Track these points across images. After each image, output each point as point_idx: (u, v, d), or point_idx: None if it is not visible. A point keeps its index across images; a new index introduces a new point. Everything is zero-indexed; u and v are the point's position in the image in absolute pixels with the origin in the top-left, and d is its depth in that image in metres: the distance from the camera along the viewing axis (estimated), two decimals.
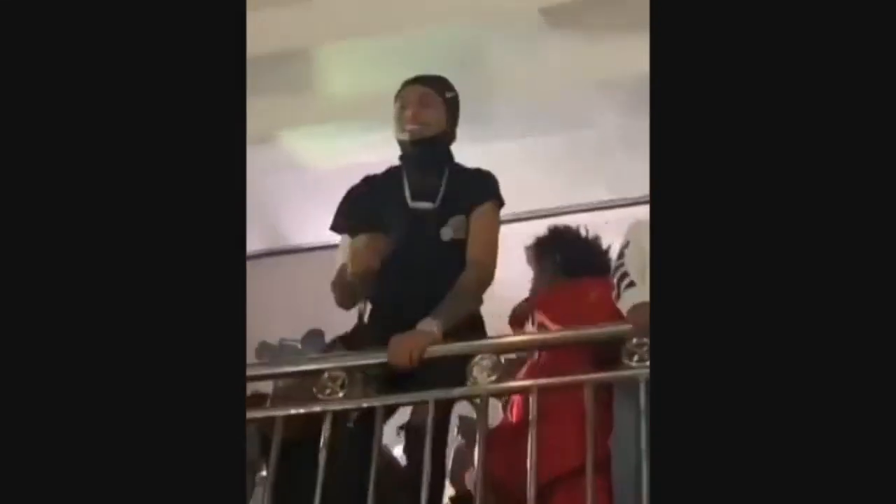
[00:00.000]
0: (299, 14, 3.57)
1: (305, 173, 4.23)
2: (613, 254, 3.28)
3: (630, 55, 3.30)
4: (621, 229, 3.25)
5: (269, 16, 3.43)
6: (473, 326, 3.10)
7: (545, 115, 3.39)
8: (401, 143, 3.23)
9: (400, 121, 3.20)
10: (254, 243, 4.82)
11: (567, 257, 3.41)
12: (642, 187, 3.87)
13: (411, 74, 3.54)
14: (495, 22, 3.44)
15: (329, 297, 3.23)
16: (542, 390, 2.86)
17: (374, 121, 3.84)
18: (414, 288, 3.07)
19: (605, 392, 2.91)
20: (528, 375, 3.18)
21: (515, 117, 3.60)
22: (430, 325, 2.93)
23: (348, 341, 3.25)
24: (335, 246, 4.12)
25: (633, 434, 2.74)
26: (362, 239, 3.11)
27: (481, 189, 3.17)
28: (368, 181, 3.29)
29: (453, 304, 3.02)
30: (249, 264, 4.94)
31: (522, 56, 3.47)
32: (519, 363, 3.27)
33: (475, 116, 3.70)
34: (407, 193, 3.19)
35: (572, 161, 3.71)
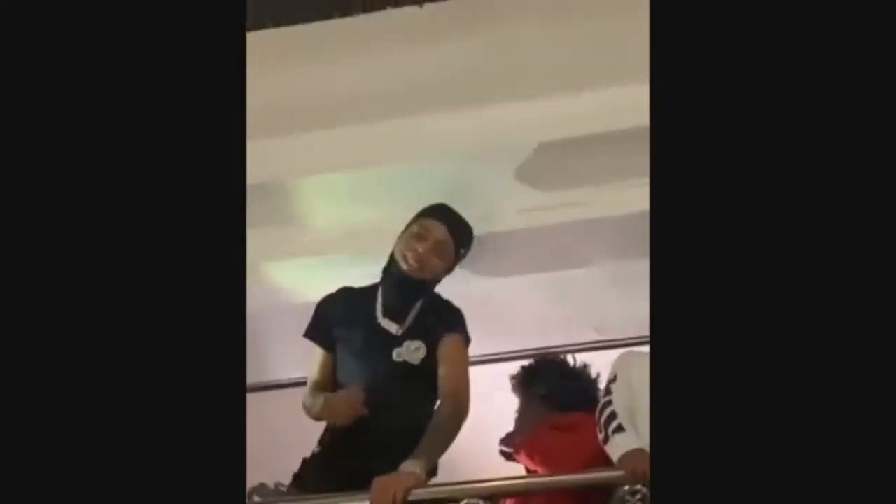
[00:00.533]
0: (285, 145, 3.59)
1: (290, 306, 4.21)
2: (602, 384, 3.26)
3: (626, 195, 3.32)
4: (610, 356, 3.22)
5: (255, 147, 3.44)
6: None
7: (534, 252, 3.38)
8: (394, 261, 3.23)
9: (407, 245, 3.22)
10: None
11: (551, 391, 3.36)
12: (632, 329, 3.89)
13: (399, 208, 3.54)
14: (486, 158, 3.46)
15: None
16: None
17: (361, 254, 3.83)
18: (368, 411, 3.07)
19: None
20: None
21: (503, 254, 3.58)
22: (413, 466, 2.90)
23: (299, 476, 3.22)
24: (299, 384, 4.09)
25: None
26: (341, 394, 3.12)
27: (449, 322, 3.20)
28: (345, 291, 3.33)
29: (433, 442, 3.01)
30: None
31: (513, 192, 3.48)
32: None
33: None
34: (379, 310, 3.21)
35: (562, 300, 3.70)
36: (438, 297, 3.28)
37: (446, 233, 3.24)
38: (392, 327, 3.19)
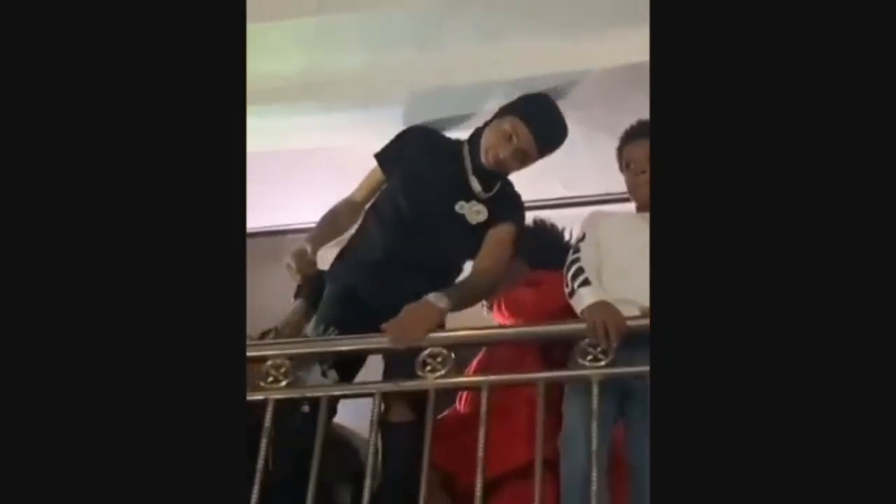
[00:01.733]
0: None
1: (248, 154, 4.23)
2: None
3: (597, 50, 3.32)
4: (578, 215, 3.29)
5: None
6: None
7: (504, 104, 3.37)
8: (478, 144, 3.27)
9: (491, 142, 3.23)
10: None
11: (532, 248, 3.43)
12: (598, 185, 3.93)
13: (358, 56, 3.50)
14: (455, 5, 3.42)
15: (263, 285, 3.28)
16: (493, 386, 2.87)
17: (308, 104, 3.81)
18: (404, 250, 3.17)
19: (556, 390, 2.92)
20: (479, 368, 3.19)
21: (473, 105, 3.59)
22: (440, 300, 2.95)
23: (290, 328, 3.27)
24: (269, 233, 4.15)
25: (582, 434, 2.77)
26: (295, 250, 3.18)
27: (514, 211, 3.30)
28: (434, 133, 3.40)
29: (463, 292, 3.09)
30: None
31: (482, 42, 3.45)
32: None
33: (430, 103, 3.69)
34: (468, 167, 3.26)
35: None
36: (510, 183, 3.35)
37: (532, 143, 3.23)
38: (477, 186, 3.25)
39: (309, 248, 3.19)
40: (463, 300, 3.07)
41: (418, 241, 3.18)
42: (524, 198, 3.42)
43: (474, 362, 3.26)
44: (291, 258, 3.16)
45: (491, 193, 3.27)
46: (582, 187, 4.13)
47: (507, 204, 3.29)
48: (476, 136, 3.32)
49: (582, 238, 3.11)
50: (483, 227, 3.24)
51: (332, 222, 3.34)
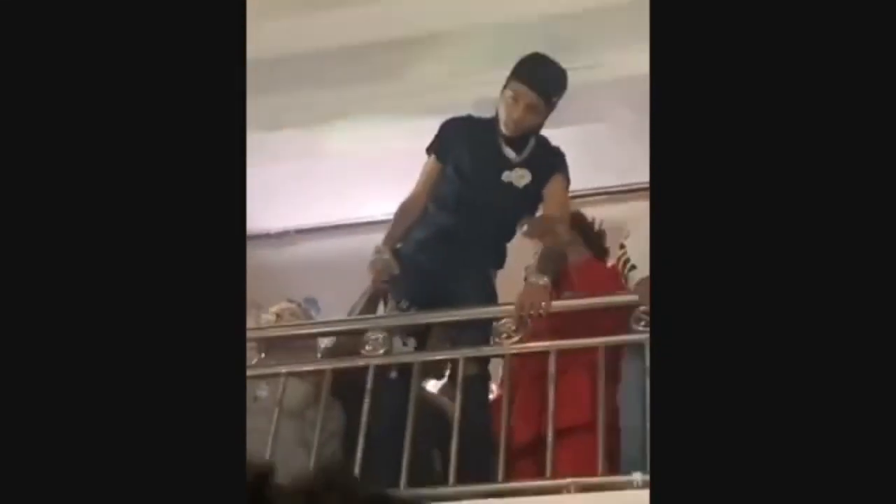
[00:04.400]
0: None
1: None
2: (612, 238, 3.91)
3: (638, 57, 3.81)
4: (627, 211, 3.77)
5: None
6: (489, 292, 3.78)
7: (561, 109, 3.89)
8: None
9: (504, 110, 3.75)
10: (271, 222, 5.39)
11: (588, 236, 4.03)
12: (647, 175, 4.41)
13: (435, 69, 4.04)
14: (523, 22, 3.91)
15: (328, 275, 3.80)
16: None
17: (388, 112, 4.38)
18: (455, 225, 3.74)
19: (615, 352, 3.48)
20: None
21: None
22: (539, 278, 3.54)
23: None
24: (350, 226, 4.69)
25: (639, 389, 3.29)
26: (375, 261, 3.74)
27: (555, 163, 3.83)
28: (468, 120, 3.92)
29: (552, 264, 3.65)
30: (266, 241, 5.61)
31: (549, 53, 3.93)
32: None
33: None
34: (501, 139, 3.78)
35: (585, 151, 4.17)
36: (546, 139, 3.86)
37: (535, 96, 3.72)
38: (511, 153, 3.78)
39: (388, 253, 3.74)
40: (555, 270, 3.64)
41: (472, 215, 3.74)
42: (577, 187, 3.94)
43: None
44: (373, 266, 3.72)
45: (526, 154, 3.78)
46: (632, 177, 4.62)
47: (546, 159, 3.80)
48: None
49: (627, 236, 3.59)
50: (531, 188, 3.77)
51: (403, 217, 3.88)
